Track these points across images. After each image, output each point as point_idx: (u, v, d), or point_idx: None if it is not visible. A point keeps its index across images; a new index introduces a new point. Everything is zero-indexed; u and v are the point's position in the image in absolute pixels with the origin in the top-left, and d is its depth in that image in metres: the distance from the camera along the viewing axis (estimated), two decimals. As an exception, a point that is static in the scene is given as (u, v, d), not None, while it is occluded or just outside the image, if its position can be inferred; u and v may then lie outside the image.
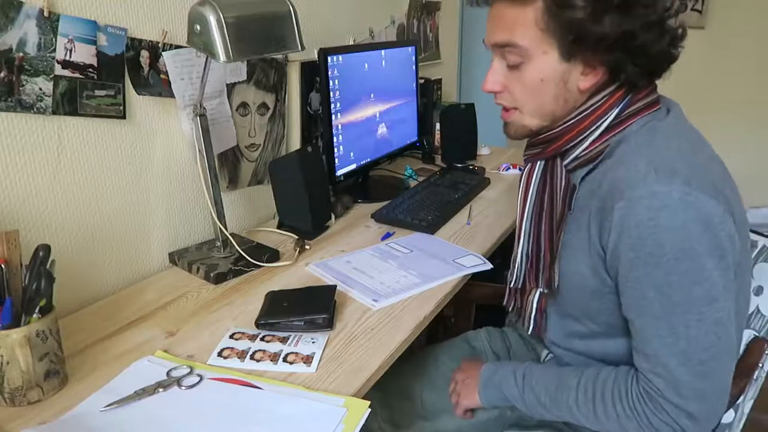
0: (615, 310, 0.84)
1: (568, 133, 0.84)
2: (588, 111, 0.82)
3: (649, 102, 0.82)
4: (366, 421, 0.75)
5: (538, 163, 0.92)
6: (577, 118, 0.83)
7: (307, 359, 0.88)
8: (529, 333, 1.00)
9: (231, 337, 0.94)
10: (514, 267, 0.98)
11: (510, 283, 1.00)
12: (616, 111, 0.81)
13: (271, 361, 0.88)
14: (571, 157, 0.85)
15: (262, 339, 0.93)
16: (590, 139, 0.83)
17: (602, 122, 0.82)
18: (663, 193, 0.72)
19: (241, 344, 0.92)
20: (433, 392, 1.10)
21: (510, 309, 1.05)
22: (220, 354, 0.89)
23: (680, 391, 0.76)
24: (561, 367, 0.95)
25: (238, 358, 0.88)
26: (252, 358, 0.88)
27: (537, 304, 0.96)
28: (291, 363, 0.87)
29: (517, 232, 0.97)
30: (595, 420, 0.85)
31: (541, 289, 0.94)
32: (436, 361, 1.17)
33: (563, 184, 0.87)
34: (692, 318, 0.73)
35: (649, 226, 0.72)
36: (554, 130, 0.86)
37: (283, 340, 0.93)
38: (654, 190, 0.73)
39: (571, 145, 0.85)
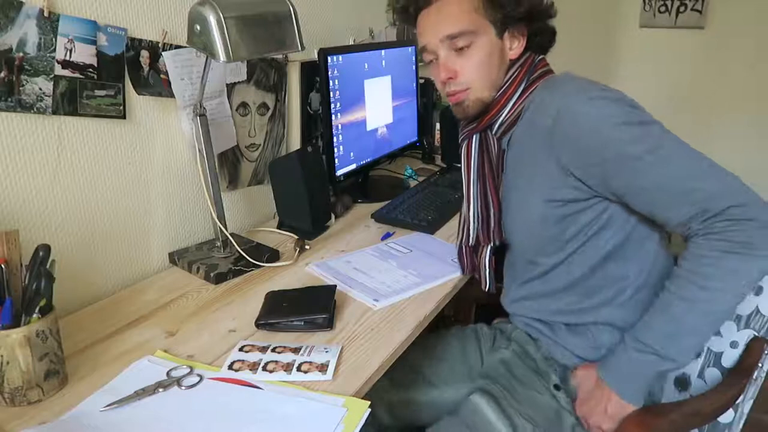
0: (569, 227, 0.97)
1: (499, 101, 1.02)
2: (510, 81, 1.02)
3: (546, 70, 1.03)
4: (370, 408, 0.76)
5: (474, 137, 1.07)
6: (503, 89, 1.02)
7: (322, 367, 0.85)
8: (487, 290, 1.13)
9: (241, 349, 0.91)
10: (467, 228, 1.12)
11: (464, 244, 1.14)
12: (527, 78, 1.01)
13: (285, 371, 0.85)
14: (497, 124, 1.03)
15: (273, 350, 0.90)
16: (510, 104, 1.01)
17: (519, 89, 1.01)
18: (584, 88, 0.92)
19: (252, 356, 0.89)
20: (438, 364, 1.17)
21: (463, 271, 1.17)
22: (230, 367, 0.86)
23: (727, 197, 0.83)
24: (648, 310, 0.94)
25: (250, 370, 0.85)
26: (264, 369, 0.85)
27: (489, 260, 1.11)
28: (305, 372, 0.85)
29: (465, 197, 1.12)
30: (712, 291, 0.86)
31: (492, 243, 1.09)
32: (444, 340, 1.22)
33: (496, 150, 1.06)
34: (683, 148, 0.87)
35: (590, 114, 0.89)
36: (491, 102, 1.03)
37: (296, 351, 0.89)
38: (576, 87, 0.93)
39: (498, 112, 1.02)
